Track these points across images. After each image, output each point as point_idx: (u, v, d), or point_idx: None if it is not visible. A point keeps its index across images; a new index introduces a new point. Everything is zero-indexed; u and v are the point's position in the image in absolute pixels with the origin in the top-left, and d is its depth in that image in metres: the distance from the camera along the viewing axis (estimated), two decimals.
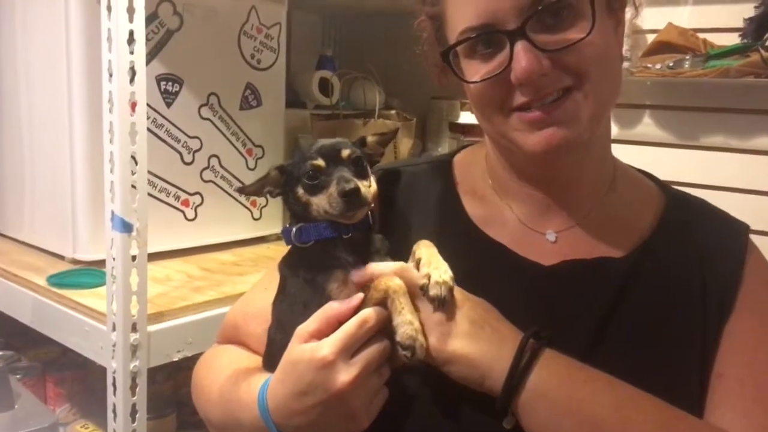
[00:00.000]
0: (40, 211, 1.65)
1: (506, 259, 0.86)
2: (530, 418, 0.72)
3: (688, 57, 1.56)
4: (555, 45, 0.73)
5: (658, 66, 1.60)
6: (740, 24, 1.52)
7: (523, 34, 0.73)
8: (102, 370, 1.29)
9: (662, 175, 0.97)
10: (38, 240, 1.68)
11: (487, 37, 0.76)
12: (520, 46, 0.73)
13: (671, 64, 1.58)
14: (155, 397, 1.46)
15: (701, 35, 1.58)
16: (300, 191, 0.80)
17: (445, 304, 0.74)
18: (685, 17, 1.62)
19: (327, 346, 0.72)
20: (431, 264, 0.77)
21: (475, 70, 0.79)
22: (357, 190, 0.76)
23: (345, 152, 0.79)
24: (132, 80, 1.17)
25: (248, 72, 1.76)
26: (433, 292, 0.74)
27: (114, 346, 1.24)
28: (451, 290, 0.75)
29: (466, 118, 2.06)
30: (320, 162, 0.78)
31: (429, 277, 0.75)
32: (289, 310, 0.83)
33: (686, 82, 1.59)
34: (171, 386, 1.76)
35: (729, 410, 0.78)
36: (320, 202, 0.78)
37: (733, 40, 1.53)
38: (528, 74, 0.73)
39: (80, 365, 1.67)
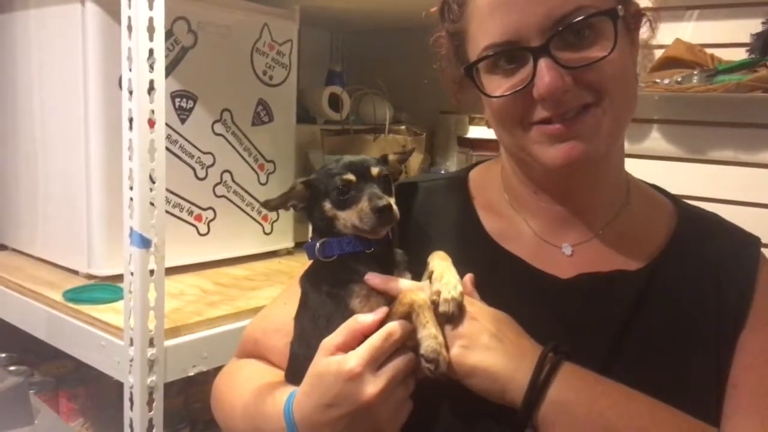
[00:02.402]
0: (54, 226, 1.67)
1: (524, 272, 0.87)
2: (550, 431, 0.73)
3: (696, 72, 1.58)
4: (577, 62, 0.75)
5: (666, 81, 1.61)
6: (748, 39, 1.53)
7: (547, 51, 0.75)
8: (115, 385, 1.29)
9: (670, 189, 0.99)
10: (52, 255, 1.69)
11: (511, 54, 0.78)
12: (543, 63, 0.75)
13: (679, 79, 1.59)
14: (167, 412, 1.46)
15: (709, 50, 1.59)
16: (327, 205, 0.82)
17: (453, 320, 0.76)
18: (693, 33, 1.64)
19: (354, 359, 0.73)
20: (442, 278, 0.78)
21: (497, 85, 0.80)
22: (390, 206, 0.78)
23: (375, 170, 0.81)
24: (151, 98, 1.19)
25: (260, 88, 1.78)
26: (442, 308, 0.76)
27: (131, 361, 1.24)
28: (459, 305, 0.76)
29: (475, 132, 2.08)
30: (351, 177, 0.80)
31: (439, 294, 0.77)
32: (312, 324, 0.84)
33: (694, 96, 1.60)
34: (182, 401, 1.76)
35: (744, 421, 0.79)
36: (349, 217, 0.80)
37: (740, 55, 1.55)
38: (551, 90, 0.75)
39: (93, 380, 1.67)
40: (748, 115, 1.58)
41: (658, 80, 1.63)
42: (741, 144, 1.61)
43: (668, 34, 1.64)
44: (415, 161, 1.90)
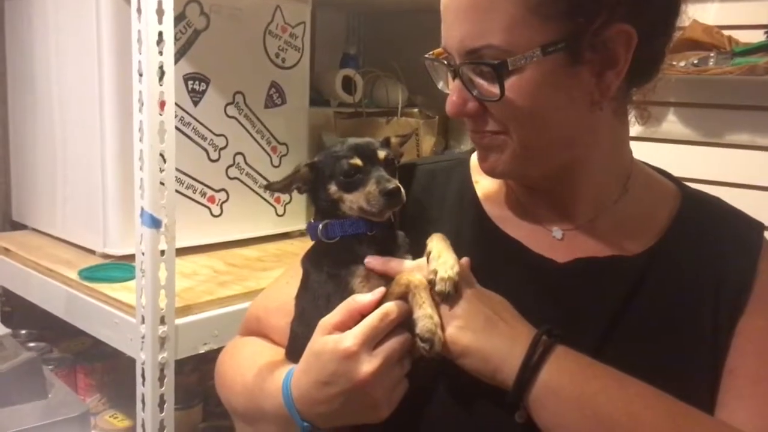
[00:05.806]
0: (71, 207, 1.70)
1: (522, 255, 0.87)
2: (540, 412, 0.74)
3: (713, 54, 1.55)
4: (478, 94, 0.77)
5: (682, 63, 1.59)
6: (765, 21, 1.51)
7: (458, 73, 0.77)
8: (131, 362, 1.33)
9: (687, 173, 0.97)
10: (70, 235, 1.73)
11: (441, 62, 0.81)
12: (453, 83, 0.79)
13: (696, 62, 1.57)
14: (182, 389, 1.50)
15: (726, 32, 1.57)
16: (333, 188, 0.82)
17: (449, 299, 0.77)
18: (710, 14, 1.61)
19: (350, 338, 0.74)
20: (440, 258, 0.78)
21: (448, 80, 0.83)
22: (398, 189, 0.79)
23: (381, 153, 0.82)
24: (161, 80, 1.21)
25: (273, 71, 1.79)
26: (438, 287, 0.76)
27: (143, 338, 1.27)
28: (455, 285, 0.77)
29: None
30: (358, 161, 0.81)
31: (435, 273, 0.77)
32: (312, 303, 0.85)
33: (711, 79, 1.58)
34: (197, 378, 1.80)
35: (740, 407, 0.79)
36: (356, 199, 0.81)
37: (758, 37, 1.52)
38: (452, 110, 0.79)
39: (110, 356, 1.71)
40: (766, 97, 1.55)
41: (674, 63, 1.61)
42: (758, 127, 1.58)
43: (685, 15, 1.61)
44: (428, 144, 1.90)
